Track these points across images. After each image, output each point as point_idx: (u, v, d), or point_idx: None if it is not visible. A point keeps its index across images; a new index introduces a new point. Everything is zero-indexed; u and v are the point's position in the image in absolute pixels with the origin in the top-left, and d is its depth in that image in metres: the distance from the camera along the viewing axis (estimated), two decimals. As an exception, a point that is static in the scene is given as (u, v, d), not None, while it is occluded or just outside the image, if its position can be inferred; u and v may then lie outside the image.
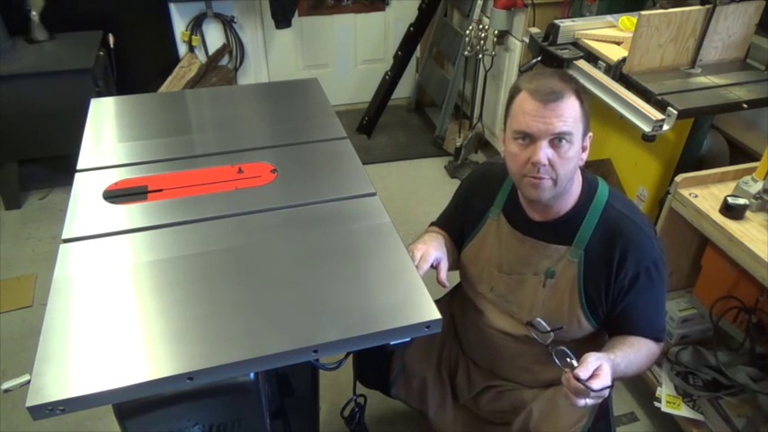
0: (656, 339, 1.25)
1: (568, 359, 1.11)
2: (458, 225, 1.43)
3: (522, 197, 1.26)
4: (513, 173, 1.19)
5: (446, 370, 1.50)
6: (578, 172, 1.21)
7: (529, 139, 1.12)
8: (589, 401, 1.05)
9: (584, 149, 1.18)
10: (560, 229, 1.23)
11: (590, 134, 1.19)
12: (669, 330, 1.89)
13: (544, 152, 1.10)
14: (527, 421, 1.31)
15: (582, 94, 1.14)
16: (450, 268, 1.34)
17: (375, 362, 1.51)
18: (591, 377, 1.05)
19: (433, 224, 1.50)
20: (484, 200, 1.35)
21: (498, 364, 1.41)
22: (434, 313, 0.95)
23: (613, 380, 1.13)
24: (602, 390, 1.05)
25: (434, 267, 1.25)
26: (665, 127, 1.70)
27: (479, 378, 1.44)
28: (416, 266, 1.11)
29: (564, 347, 1.13)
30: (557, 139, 1.10)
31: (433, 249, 1.25)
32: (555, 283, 1.24)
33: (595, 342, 1.31)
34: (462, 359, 1.49)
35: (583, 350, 1.23)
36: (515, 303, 1.30)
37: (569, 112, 1.10)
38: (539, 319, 1.24)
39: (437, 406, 1.48)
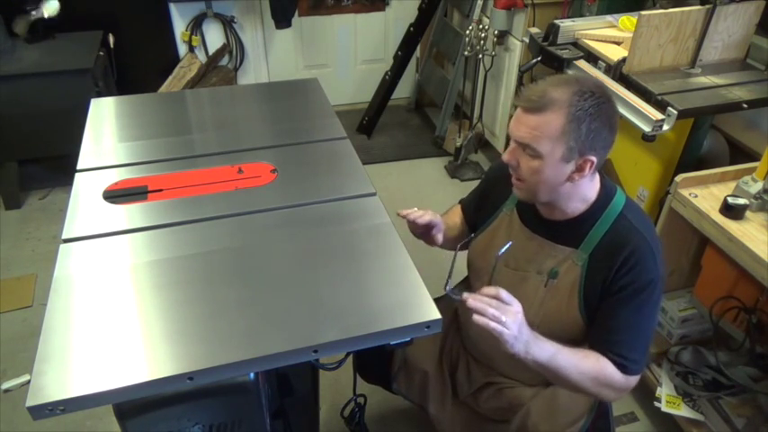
0: (621, 367, 1.14)
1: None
2: (474, 207, 1.47)
3: None
4: None
5: (447, 365, 1.51)
6: (596, 177, 1.19)
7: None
8: (500, 318, 1.03)
9: (579, 169, 1.11)
10: (569, 231, 1.22)
11: (590, 157, 1.10)
12: (669, 330, 1.89)
13: (509, 151, 1.14)
14: (525, 420, 1.31)
15: (582, 115, 1.06)
16: (452, 243, 1.43)
17: (377, 358, 1.51)
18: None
19: (459, 201, 1.54)
20: (501, 192, 1.35)
21: (497, 360, 1.41)
22: (434, 313, 0.95)
23: (545, 370, 1.11)
24: (510, 307, 1.05)
25: (426, 233, 1.34)
26: (665, 127, 1.70)
27: (479, 374, 1.44)
28: (413, 216, 1.29)
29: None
30: (526, 147, 1.11)
31: (432, 214, 1.33)
32: (556, 285, 1.23)
33: None
34: (463, 355, 1.49)
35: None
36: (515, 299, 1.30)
37: (542, 127, 1.07)
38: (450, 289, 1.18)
39: (438, 402, 1.48)
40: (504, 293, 1.07)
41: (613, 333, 1.16)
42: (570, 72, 2.06)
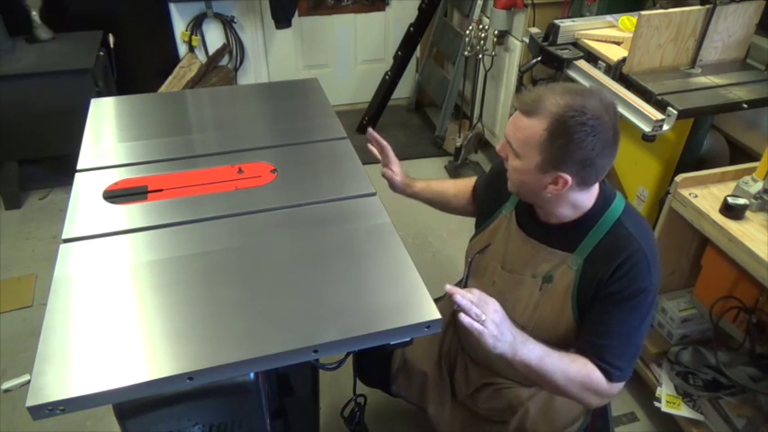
0: (606, 373, 1.13)
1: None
2: (482, 194, 1.49)
3: None
4: None
5: (446, 366, 1.51)
6: (594, 186, 1.17)
7: None
8: (478, 313, 1.05)
9: (554, 183, 1.09)
10: (564, 236, 1.21)
11: (563, 175, 1.07)
12: (669, 330, 1.89)
13: (501, 143, 1.17)
14: (524, 420, 1.31)
15: (563, 132, 1.03)
16: (444, 204, 1.58)
17: (375, 360, 1.51)
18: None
19: (478, 179, 1.56)
20: (501, 193, 1.34)
21: (495, 361, 1.40)
22: (434, 313, 0.95)
23: (525, 369, 1.11)
24: (488, 306, 1.07)
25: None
26: (665, 127, 1.70)
27: (477, 375, 1.44)
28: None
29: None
30: (510, 145, 1.12)
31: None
32: (551, 289, 1.23)
33: None
34: (461, 356, 1.49)
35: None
36: (510, 302, 1.29)
37: (525, 130, 1.07)
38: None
39: (437, 402, 1.48)
40: (477, 292, 1.08)
41: (601, 338, 1.15)
42: (570, 72, 2.06)
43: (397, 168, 1.53)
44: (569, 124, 1.02)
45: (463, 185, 1.56)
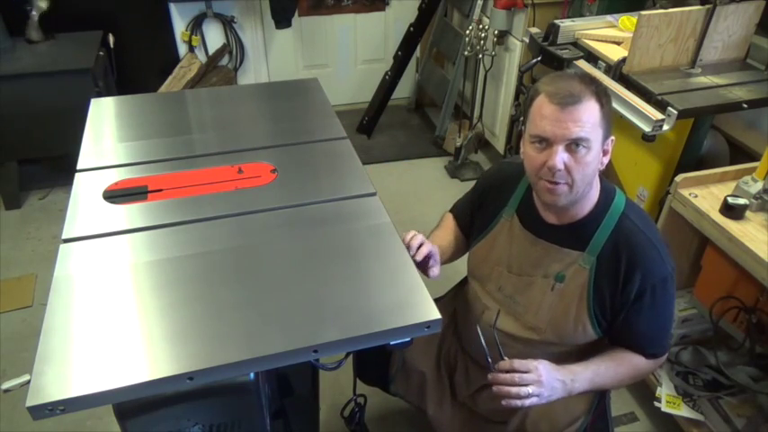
0: (652, 355, 1.25)
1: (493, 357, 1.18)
2: (470, 215, 1.46)
3: (537, 199, 1.25)
4: (530, 175, 1.18)
5: (445, 367, 1.51)
6: (597, 178, 1.19)
7: (545, 143, 1.10)
8: (521, 392, 1.10)
9: (604, 153, 1.15)
10: (574, 234, 1.21)
11: (612, 138, 1.15)
12: (669, 330, 1.89)
13: (560, 157, 1.09)
14: (524, 420, 1.31)
15: (603, 96, 1.10)
16: (451, 259, 1.45)
17: (375, 359, 1.51)
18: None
19: (450, 210, 1.54)
20: (498, 199, 1.34)
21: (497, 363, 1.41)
22: (434, 313, 0.95)
23: (594, 390, 1.18)
24: (531, 375, 1.11)
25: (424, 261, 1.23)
26: (665, 127, 1.70)
27: (478, 376, 1.44)
28: (410, 246, 1.18)
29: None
30: (573, 144, 1.08)
31: (429, 245, 1.24)
32: (563, 288, 1.23)
33: (597, 349, 1.31)
34: (461, 356, 1.49)
35: (584, 357, 1.25)
36: (521, 304, 1.29)
37: (587, 117, 1.07)
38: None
39: (436, 403, 1.48)
40: (517, 364, 1.12)
41: (638, 338, 1.23)
42: (570, 71, 2.06)
43: (437, 257, 1.28)
44: (602, 88, 1.11)
45: (449, 223, 1.50)
